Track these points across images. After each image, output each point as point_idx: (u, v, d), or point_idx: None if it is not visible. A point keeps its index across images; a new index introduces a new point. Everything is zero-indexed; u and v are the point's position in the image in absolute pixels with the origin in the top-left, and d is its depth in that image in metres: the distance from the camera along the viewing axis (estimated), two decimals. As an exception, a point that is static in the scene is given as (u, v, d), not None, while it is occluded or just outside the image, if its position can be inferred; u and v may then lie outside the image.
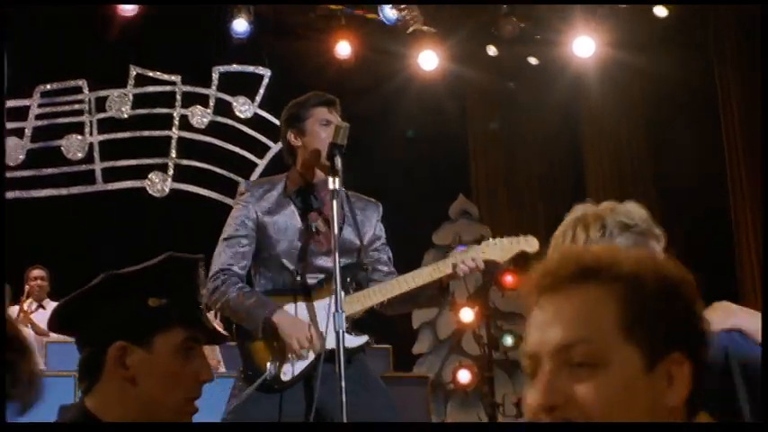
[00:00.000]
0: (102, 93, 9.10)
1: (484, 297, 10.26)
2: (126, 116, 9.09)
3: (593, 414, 1.36)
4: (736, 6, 8.65)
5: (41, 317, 7.54)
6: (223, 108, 9.43)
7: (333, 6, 9.96)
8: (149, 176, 9.02)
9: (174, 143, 9.18)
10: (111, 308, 2.10)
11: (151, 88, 9.26)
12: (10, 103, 8.78)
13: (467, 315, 10.13)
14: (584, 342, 1.39)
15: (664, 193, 10.53)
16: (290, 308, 3.96)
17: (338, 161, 3.86)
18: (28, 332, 7.36)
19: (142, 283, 2.13)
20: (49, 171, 8.78)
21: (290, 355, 3.90)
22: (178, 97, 9.30)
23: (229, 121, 9.40)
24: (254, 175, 8.76)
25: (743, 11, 9.16)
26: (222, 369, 7.07)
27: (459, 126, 11.64)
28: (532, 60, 10.83)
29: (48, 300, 8.12)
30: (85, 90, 9.03)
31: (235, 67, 9.58)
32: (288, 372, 3.91)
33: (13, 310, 7.66)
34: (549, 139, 11.43)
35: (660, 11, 9.56)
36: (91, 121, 8.99)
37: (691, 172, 10.05)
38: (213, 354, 6.90)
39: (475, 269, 4.00)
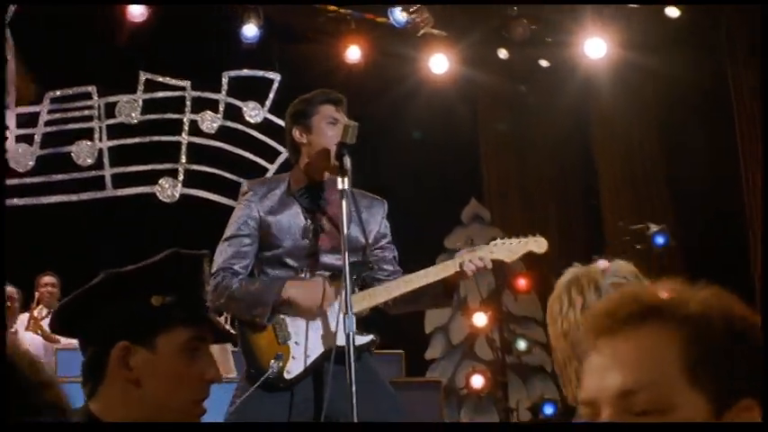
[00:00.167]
0: (112, 98, 9.06)
1: (497, 301, 10.21)
2: (135, 122, 9.06)
3: None
4: (749, 6, 8.57)
5: (52, 324, 7.51)
6: (233, 113, 9.39)
7: (342, 10, 9.92)
8: (159, 182, 8.98)
9: (183, 148, 9.14)
10: (112, 307, 2.06)
11: (161, 94, 9.22)
12: (19, 110, 8.76)
13: (480, 319, 10.08)
14: (646, 388, 1.30)
15: (677, 195, 10.47)
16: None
17: (347, 160, 3.82)
18: (38, 339, 7.34)
19: (144, 281, 2.08)
20: (59, 177, 8.74)
21: (293, 354, 3.86)
22: (188, 102, 9.26)
23: (239, 126, 9.36)
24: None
25: (755, 11, 9.09)
26: (234, 375, 7.03)
27: (470, 130, 11.60)
28: (543, 63, 10.78)
29: (58, 306, 8.08)
30: (95, 96, 8.99)
31: (244, 72, 9.54)
32: (292, 370, 3.87)
33: (24, 317, 7.62)
34: (561, 141, 11.37)
35: (672, 11, 9.49)
36: (100, 127, 8.96)
37: (704, 174, 9.98)
38: (226, 360, 6.85)
39: (482, 268, 3.94)
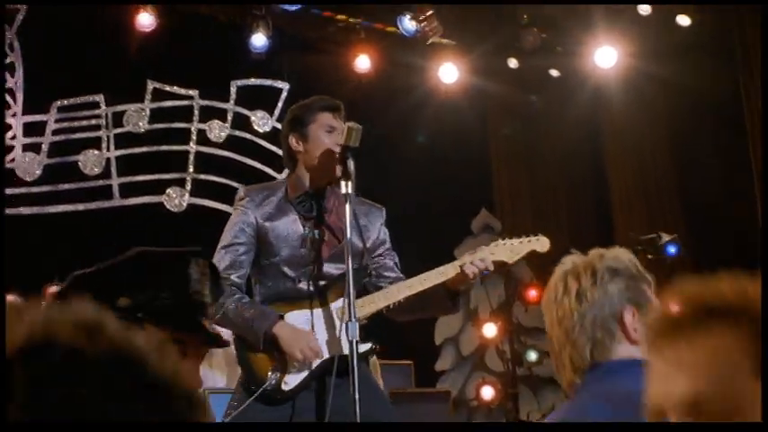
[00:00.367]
0: (120, 107, 9.02)
1: (507, 312, 10.13)
2: (143, 131, 9.03)
3: None
4: (763, 14, 8.48)
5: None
6: (241, 122, 9.36)
7: (352, 19, 9.89)
8: (167, 191, 8.94)
9: (191, 158, 9.10)
10: None
11: (169, 103, 9.19)
12: (26, 118, 8.73)
13: (490, 330, 10.01)
14: (717, 394, 1.23)
15: (689, 206, 10.39)
16: (291, 316, 3.85)
17: (351, 164, 3.75)
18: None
19: (109, 282, 2.01)
20: (66, 186, 8.70)
21: (292, 365, 3.79)
22: (196, 112, 9.22)
23: (248, 136, 9.33)
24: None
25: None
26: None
27: (480, 140, 11.54)
28: (554, 73, 10.72)
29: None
30: (102, 105, 8.96)
31: (253, 81, 9.51)
32: (290, 382, 3.80)
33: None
34: (572, 151, 11.30)
35: (683, 20, 9.43)
36: (108, 136, 8.92)
37: (716, 184, 9.89)
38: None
39: (483, 269, 3.86)
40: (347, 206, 3.71)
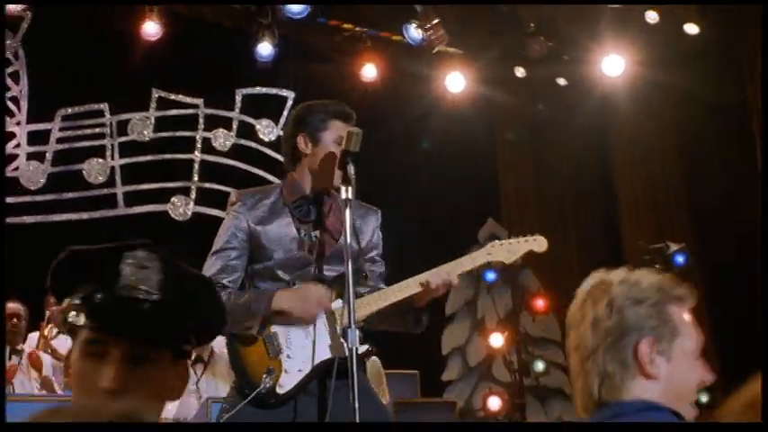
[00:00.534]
0: (124, 116, 9.02)
1: (514, 322, 10.08)
2: (148, 139, 9.01)
3: None
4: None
5: (62, 343, 7.41)
6: (246, 131, 9.33)
7: (358, 29, 9.87)
8: (172, 200, 8.92)
9: (196, 166, 9.08)
10: None
11: (173, 111, 9.17)
12: (31, 127, 8.72)
13: (497, 340, 9.95)
14: None
15: (697, 215, 10.33)
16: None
17: (351, 169, 3.69)
18: (47, 358, 7.24)
19: (54, 285, 1.97)
20: (71, 195, 8.68)
21: (285, 368, 3.73)
22: (201, 120, 9.21)
23: (253, 144, 9.31)
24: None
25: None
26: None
27: (487, 149, 11.50)
28: (561, 81, 10.67)
29: (69, 325, 7.98)
30: (107, 113, 8.95)
31: (258, 90, 9.49)
32: (285, 384, 3.73)
33: (34, 337, 7.53)
34: (580, 161, 11.26)
35: (691, 28, 9.38)
36: (112, 145, 8.91)
37: (725, 194, 9.83)
38: None
39: (448, 284, 3.79)
40: (347, 211, 3.65)
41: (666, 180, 10.65)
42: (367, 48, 9.89)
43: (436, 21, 9.03)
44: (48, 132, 8.78)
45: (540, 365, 9.92)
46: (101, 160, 8.86)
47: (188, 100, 9.22)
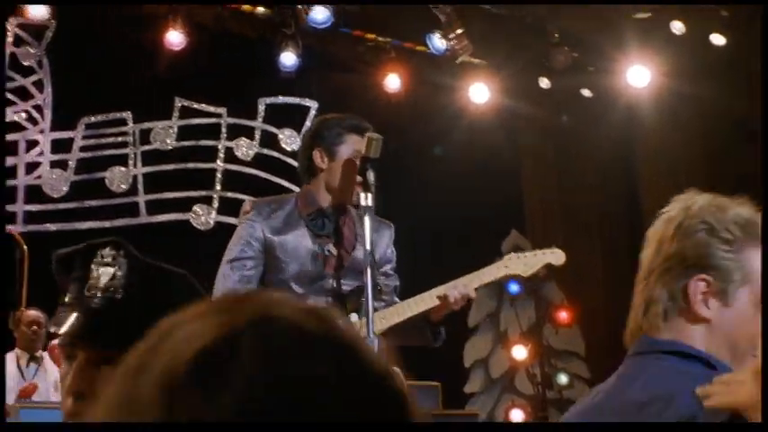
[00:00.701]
0: (147, 125, 9.02)
1: (537, 334, 10.00)
2: (170, 148, 9.00)
3: None
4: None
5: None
6: (269, 140, 9.31)
7: (381, 39, 9.85)
8: (194, 209, 8.90)
9: (218, 175, 9.06)
10: None
11: (196, 120, 9.16)
12: (54, 135, 8.74)
13: (520, 353, 9.88)
14: None
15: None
16: None
17: (371, 175, 3.63)
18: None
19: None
20: (93, 203, 8.69)
21: None
22: (223, 129, 9.20)
23: (275, 154, 9.28)
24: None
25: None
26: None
27: (511, 161, 11.44)
28: (586, 92, 10.61)
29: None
30: (130, 122, 8.95)
31: (281, 99, 9.47)
32: None
33: (52, 345, 7.52)
34: (605, 173, 11.18)
35: (717, 39, 9.30)
36: (135, 153, 8.91)
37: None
38: None
39: (466, 297, 3.72)
40: (366, 218, 3.58)
41: (692, 187, 10.54)
42: (390, 58, 9.85)
43: (460, 30, 8.98)
44: (71, 141, 8.79)
45: (563, 378, 9.84)
46: (123, 168, 8.86)
47: (211, 109, 9.21)
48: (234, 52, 9.36)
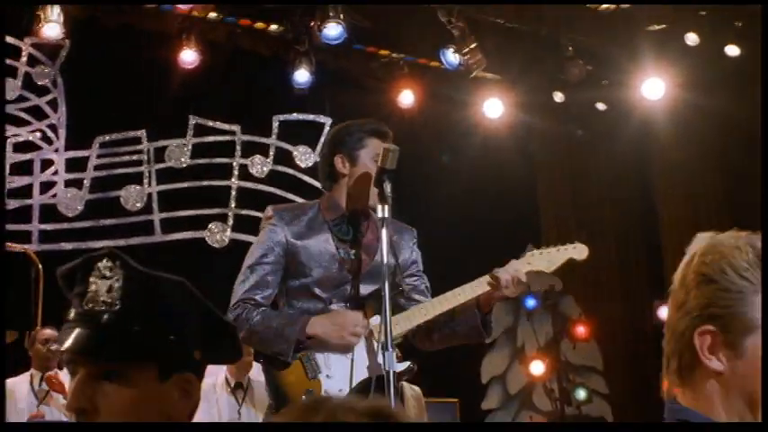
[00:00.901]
0: (161, 143, 9.03)
1: (555, 349, 9.94)
2: (185, 166, 9.01)
3: None
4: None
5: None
6: (283, 157, 9.31)
7: (395, 55, 9.85)
8: (209, 226, 8.90)
9: (233, 193, 9.06)
10: None
11: (210, 138, 9.18)
12: (69, 154, 8.75)
13: (537, 368, 9.81)
14: None
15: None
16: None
17: (388, 186, 3.61)
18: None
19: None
20: (108, 222, 8.69)
21: (325, 389, 3.63)
22: (238, 147, 9.20)
23: (290, 171, 9.28)
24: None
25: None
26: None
27: (526, 175, 11.40)
28: (600, 106, 10.57)
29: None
30: (144, 140, 8.97)
31: (295, 116, 9.48)
32: None
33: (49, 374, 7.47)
34: (621, 187, 11.13)
35: (732, 50, 9.25)
36: (150, 172, 8.92)
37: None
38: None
39: (517, 280, 3.67)
40: (383, 230, 3.56)
41: (709, 205, 10.48)
42: (404, 74, 9.85)
43: (474, 45, 8.96)
44: (85, 159, 8.80)
45: (582, 393, 9.77)
46: (138, 187, 8.86)
47: (225, 127, 9.22)
48: (247, 70, 9.37)
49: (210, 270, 8.73)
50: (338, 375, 3.65)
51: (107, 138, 8.87)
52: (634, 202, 11.22)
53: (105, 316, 1.76)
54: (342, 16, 8.43)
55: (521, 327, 10.66)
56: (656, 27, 9.28)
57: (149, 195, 8.86)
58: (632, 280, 10.65)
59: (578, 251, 3.89)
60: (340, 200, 3.87)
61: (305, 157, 9.35)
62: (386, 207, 3.57)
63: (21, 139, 8.62)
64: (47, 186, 8.65)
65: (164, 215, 8.82)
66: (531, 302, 10.15)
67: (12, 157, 8.53)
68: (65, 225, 8.57)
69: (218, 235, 8.88)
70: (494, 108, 9.96)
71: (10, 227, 8.27)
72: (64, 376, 7.17)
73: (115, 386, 1.74)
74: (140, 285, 1.81)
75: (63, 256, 8.29)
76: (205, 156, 9.10)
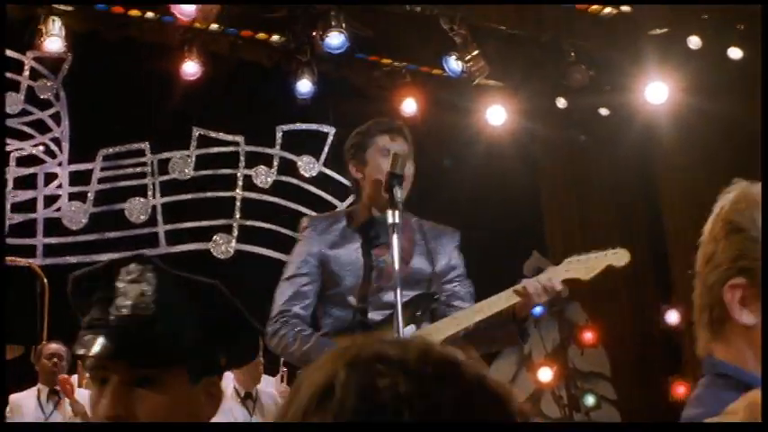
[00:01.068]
0: (165, 155, 9.03)
1: (562, 356, 9.89)
2: (189, 177, 9.00)
3: None
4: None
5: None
6: (287, 167, 9.31)
7: (397, 63, 9.84)
8: (214, 238, 8.89)
9: (238, 204, 9.05)
10: None
11: (214, 149, 9.18)
12: (72, 167, 8.75)
13: (545, 375, 9.75)
14: None
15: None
16: None
17: (398, 192, 3.58)
18: (87, 393, 7.14)
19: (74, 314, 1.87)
20: (113, 235, 8.69)
21: None
22: (241, 157, 9.21)
23: (294, 181, 9.27)
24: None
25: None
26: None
27: (530, 182, 11.37)
28: (603, 111, 10.54)
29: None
30: (148, 152, 8.97)
31: (298, 126, 9.47)
32: None
33: (75, 379, 7.46)
34: (626, 193, 11.09)
35: (734, 52, 9.23)
36: (154, 184, 8.91)
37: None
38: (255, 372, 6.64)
39: (550, 289, 3.61)
40: (394, 237, 3.53)
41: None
42: (406, 82, 9.85)
43: (476, 52, 8.95)
44: (89, 172, 8.80)
45: (590, 400, 9.70)
46: (142, 199, 8.86)
47: (228, 138, 9.22)
48: (249, 81, 9.36)
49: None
50: None
51: (110, 150, 8.88)
52: (638, 207, 11.19)
53: (139, 321, 1.73)
54: (344, 25, 8.41)
55: (527, 334, 10.63)
56: (659, 31, 9.26)
57: (153, 207, 8.86)
58: (638, 284, 10.60)
59: (618, 257, 3.80)
60: (366, 205, 3.85)
61: (309, 166, 9.33)
62: (396, 213, 3.54)
63: (24, 153, 8.62)
64: (51, 200, 8.65)
65: (168, 227, 8.81)
66: (537, 309, 10.10)
67: (15, 171, 8.53)
68: (69, 238, 8.56)
69: (224, 246, 8.87)
70: (496, 115, 9.94)
71: (14, 241, 8.27)
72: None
73: (149, 392, 1.71)
74: (174, 289, 1.79)
75: (68, 269, 8.26)
76: (209, 167, 9.10)
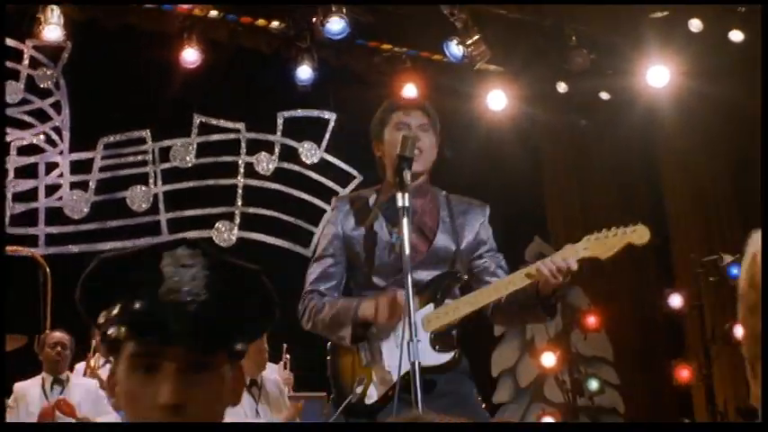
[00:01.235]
0: (166, 142, 9.02)
1: (565, 341, 9.89)
2: (190, 165, 8.99)
3: None
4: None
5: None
6: (289, 154, 9.30)
7: (397, 49, 9.81)
8: (216, 225, 8.90)
9: (239, 191, 9.04)
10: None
11: (215, 136, 9.16)
12: (73, 156, 8.74)
13: (548, 360, 9.75)
14: None
15: (749, 231, 10.08)
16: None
17: (407, 174, 3.56)
18: (93, 385, 7.16)
19: (86, 300, 1.80)
20: (114, 223, 8.69)
21: (374, 377, 3.61)
22: (243, 145, 9.19)
23: (296, 167, 9.25)
24: (322, 222, 8.56)
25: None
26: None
27: (531, 167, 11.34)
28: (604, 95, 10.52)
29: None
30: (149, 140, 8.96)
31: (299, 113, 9.45)
32: (372, 395, 3.61)
33: (80, 367, 7.47)
34: (627, 177, 11.08)
35: (735, 35, 9.20)
36: (155, 172, 8.91)
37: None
38: (261, 359, 6.61)
39: (566, 270, 3.54)
40: (404, 221, 3.50)
41: (717, 193, 10.43)
42: (407, 68, 9.81)
43: (477, 37, 8.92)
44: (90, 161, 8.79)
45: (594, 384, 9.69)
46: (144, 187, 8.85)
47: (229, 125, 9.20)
48: (249, 68, 9.34)
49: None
50: (389, 364, 3.60)
51: (111, 139, 8.86)
52: (640, 191, 11.17)
53: (193, 306, 1.70)
54: (344, 11, 8.40)
55: (529, 319, 10.63)
56: (659, 14, 9.23)
57: (155, 196, 8.85)
58: (641, 268, 10.59)
59: (638, 235, 3.74)
60: (389, 184, 3.84)
61: (310, 153, 9.32)
62: (406, 195, 3.52)
63: (25, 142, 8.61)
64: (52, 189, 8.64)
65: (170, 215, 8.81)
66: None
67: (16, 161, 8.52)
68: (71, 228, 8.56)
69: (226, 234, 8.87)
70: (497, 100, 9.92)
71: (17, 231, 8.27)
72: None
73: (202, 377, 1.70)
74: (224, 274, 1.76)
75: (70, 258, 8.28)
76: (210, 154, 9.09)
